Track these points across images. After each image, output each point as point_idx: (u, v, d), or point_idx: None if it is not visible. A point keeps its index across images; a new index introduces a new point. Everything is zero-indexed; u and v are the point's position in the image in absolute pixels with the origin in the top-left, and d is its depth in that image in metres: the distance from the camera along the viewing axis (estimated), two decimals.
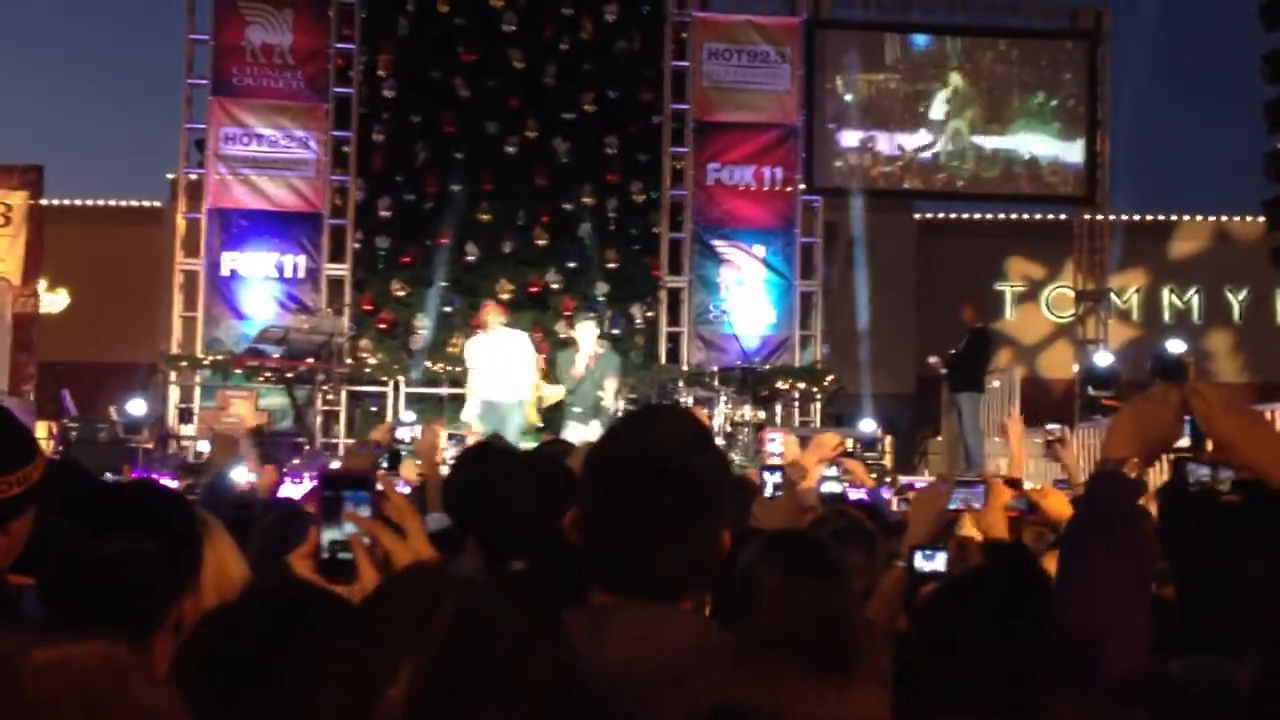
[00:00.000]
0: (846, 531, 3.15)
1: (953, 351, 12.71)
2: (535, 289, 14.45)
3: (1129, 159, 16.87)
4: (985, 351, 12.99)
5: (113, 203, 19.12)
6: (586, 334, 10.96)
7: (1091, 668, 1.60)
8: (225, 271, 14.11)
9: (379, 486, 1.53)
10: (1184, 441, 1.78)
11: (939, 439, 14.76)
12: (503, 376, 10.93)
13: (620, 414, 11.65)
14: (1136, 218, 19.77)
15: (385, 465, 4.00)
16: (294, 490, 8.28)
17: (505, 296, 14.36)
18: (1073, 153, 15.76)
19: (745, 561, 2.31)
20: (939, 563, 2.62)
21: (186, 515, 1.93)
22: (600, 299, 14.50)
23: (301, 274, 14.21)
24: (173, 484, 6.05)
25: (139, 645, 1.68)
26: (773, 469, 3.52)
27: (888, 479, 11.07)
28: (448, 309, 14.31)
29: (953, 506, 2.90)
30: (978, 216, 20.55)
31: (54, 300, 16.14)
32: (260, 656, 1.27)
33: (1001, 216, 20.40)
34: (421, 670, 1.09)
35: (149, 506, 1.90)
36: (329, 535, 1.51)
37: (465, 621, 1.12)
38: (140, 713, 0.71)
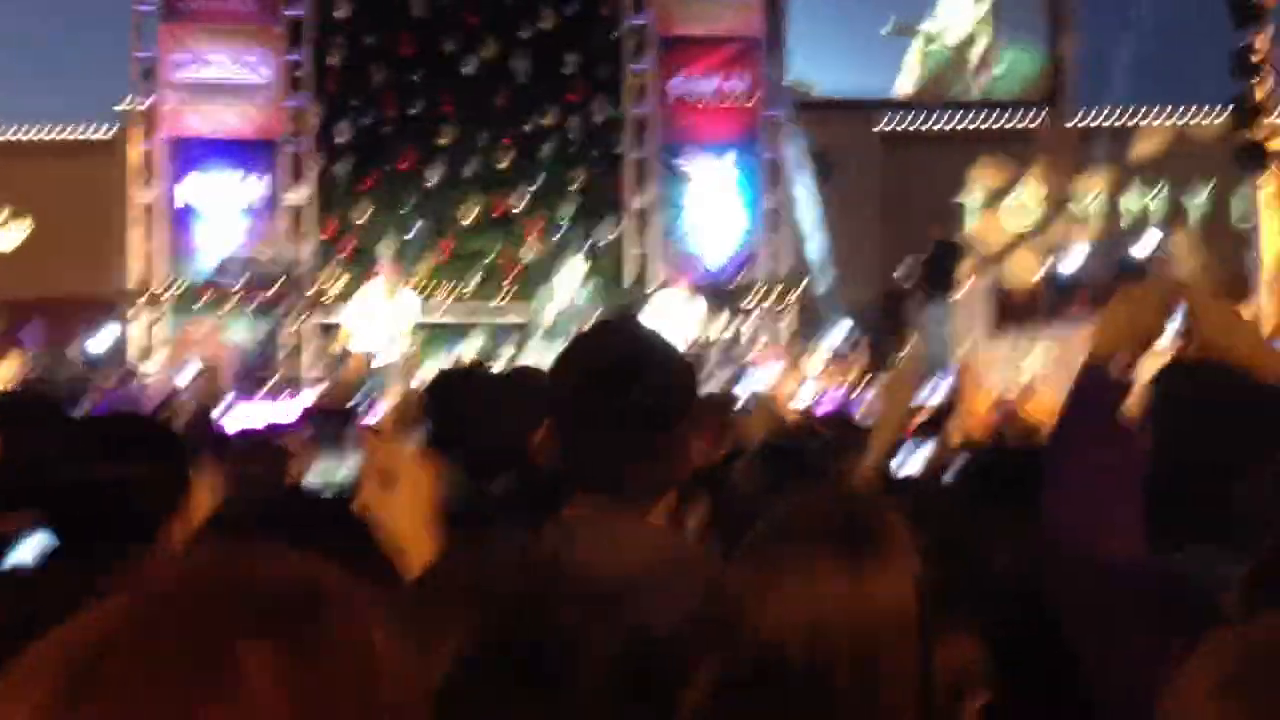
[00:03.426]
0: (841, 441, 3.15)
1: (922, 260, 12.81)
2: (500, 212, 14.31)
3: (1091, 60, 16.81)
4: (948, 262, 13.05)
5: (62, 135, 18.69)
6: (567, 277, 10.76)
7: (1083, 561, 1.61)
8: (181, 203, 13.87)
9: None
10: (1171, 339, 1.77)
11: (908, 350, 14.86)
12: (385, 331, 10.72)
13: None
14: (1098, 121, 19.76)
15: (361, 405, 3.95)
16: (263, 418, 8.26)
17: (469, 220, 14.24)
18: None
19: (734, 476, 2.32)
20: (912, 464, 2.61)
21: (173, 442, 1.95)
22: (564, 221, 14.40)
23: (261, 202, 14.00)
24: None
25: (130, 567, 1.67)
26: (745, 374, 3.50)
27: (865, 384, 11.15)
28: (412, 234, 14.17)
29: (923, 402, 2.87)
30: (939, 126, 20.46)
31: (10, 235, 15.82)
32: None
33: (963, 125, 20.33)
34: (476, 640, 1.07)
35: (138, 434, 1.93)
36: (319, 469, 1.56)
37: (524, 591, 1.11)
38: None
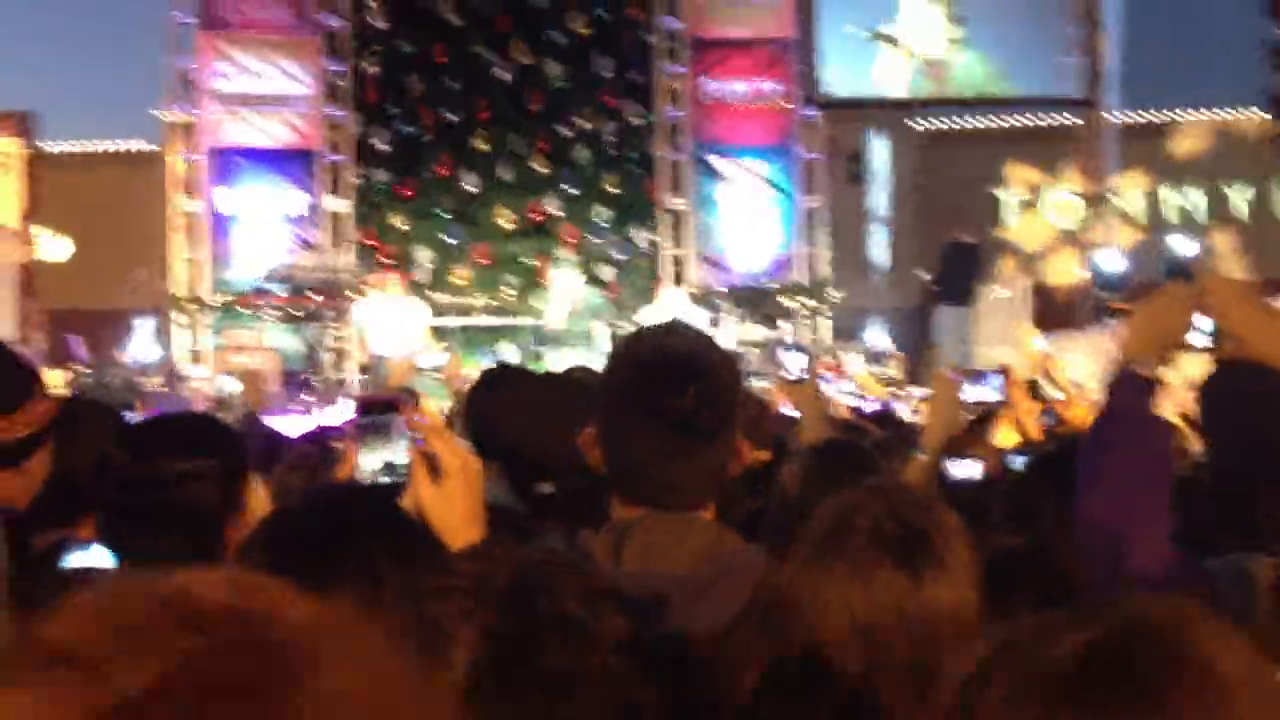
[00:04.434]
0: (891, 441, 3.17)
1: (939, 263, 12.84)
2: (536, 217, 14.39)
3: (1128, 57, 16.67)
4: (966, 265, 12.96)
5: (107, 147, 18.95)
6: (563, 286, 10.79)
7: (1115, 562, 1.64)
8: (225, 212, 14.04)
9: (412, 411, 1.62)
10: (1204, 340, 1.79)
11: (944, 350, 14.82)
12: (395, 337, 10.79)
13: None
14: (1137, 117, 19.57)
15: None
16: (309, 422, 8.35)
17: (505, 225, 14.33)
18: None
19: (787, 475, 2.33)
20: (972, 469, 2.62)
21: (235, 441, 1.98)
22: (602, 224, 14.47)
23: (303, 211, 14.14)
24: None
25: None
26: (792, 346, 3.51)
27: (899, 391, 11.12)
28: (451, 240, 14.29)
29: (971, 400, 2.87)
30: (977, 124, 20.33)
31: (56, 247, 16.07)
32: (319, 548, 1.34)
33: (1001, 123, 20.19)
34: (481, 634, 1.10)
35: (199, 433, 1.95)
36: (369, 459, 1.57)
37: (525, 582, 1.14)
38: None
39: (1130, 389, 1.77)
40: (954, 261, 12.67)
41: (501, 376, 3.06)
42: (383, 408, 1.63)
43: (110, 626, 0.58)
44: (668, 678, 1.23)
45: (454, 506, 1.53)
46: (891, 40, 15.13)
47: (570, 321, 10.72)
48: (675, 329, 1.82)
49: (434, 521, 1.52)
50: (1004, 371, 3.20)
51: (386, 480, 1.57)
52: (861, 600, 1.36)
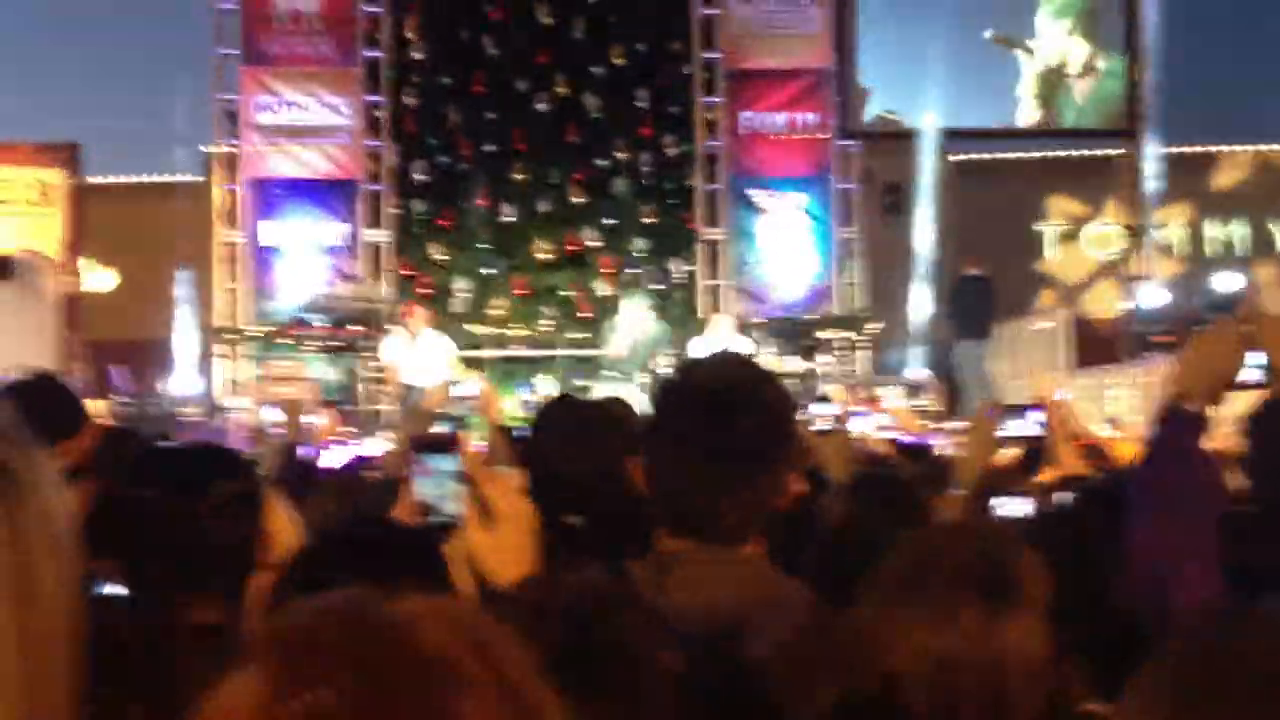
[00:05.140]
0: (925, 477, 3.14)
1: (949, 296, 12.73)
2: (573, 248, 14.45)
3: (1171, 90, 16.55)
4: (979, 298, 12.82)
5: (150, 179, 19.24)
6: (630, 315, 10.89)
7: (1165, 596, 1.61)
8: (266, 243, 14.20)
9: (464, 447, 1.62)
10: (1257, 376, 1.76)
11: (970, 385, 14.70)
12: (422, 370, 10.86)
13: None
14: (1178, 150, 19.42)
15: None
16: (345, 455, 8.38)
17: (543, 256, 14.39)
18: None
19: (828, 508, 2.31)
20: (1021, 506, 2.56)
21: (251, 470, 1.98)
22: (638, 255, 14.50)
23: (342, 242, 14.27)
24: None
25: (233, 606, 1.71)
26: (822, 400, 3.50)
27: (936, 424, 11.03)
28: (487, 271, 14.36)
29: (1010, 435, 2.83)
30: (1015, 156, 20.25)
31: (101, 279, 16.28)
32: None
33: (1040, 155, 20.10)
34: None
35: (220, 462, 1.95)
36: (424, 493, 1.59)
37: (580, 610, 1.13)
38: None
39: (1180, 425, 1.74)
40: (965, 295, 12.56)
41: (546, 409, 3.06)
42: (437, 446, 1.63)
43: (314, 632, 0.67)
44: (723, 707, 1.21)
45: (506, 550, 1.52)
46: (1024, 48, 15.10)
47: (633, 352, 10.81)
48: (729, 360, 1.81)
49: (486, 565, 1.51)
50: (1042, 405, 3.15)
51: (437, 520, 1.57)
52: (941, 638, 1.33)
